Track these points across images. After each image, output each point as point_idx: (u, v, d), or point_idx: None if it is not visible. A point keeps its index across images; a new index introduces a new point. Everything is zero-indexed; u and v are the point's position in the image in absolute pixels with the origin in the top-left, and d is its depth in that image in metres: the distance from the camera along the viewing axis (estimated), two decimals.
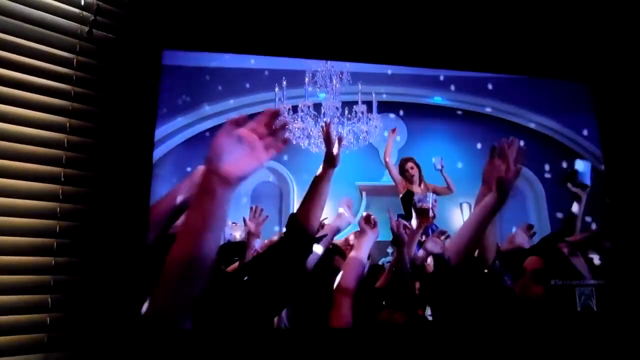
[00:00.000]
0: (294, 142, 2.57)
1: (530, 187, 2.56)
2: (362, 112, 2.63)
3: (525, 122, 2.49)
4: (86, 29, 1.27)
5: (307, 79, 2.58)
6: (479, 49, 1.72)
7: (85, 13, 1.28)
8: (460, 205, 2.57)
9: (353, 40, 1.65)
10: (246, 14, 1.58)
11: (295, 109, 2.66)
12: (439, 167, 2.55)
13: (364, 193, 3.15)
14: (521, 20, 1.74)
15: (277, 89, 2.53)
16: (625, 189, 1.71)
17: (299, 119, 2.61)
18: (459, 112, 2.63)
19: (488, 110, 2.55)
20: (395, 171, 2.71)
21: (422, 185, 2.64)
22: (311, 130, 2.67)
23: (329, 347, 1.37)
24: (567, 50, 1.77)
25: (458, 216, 2.55)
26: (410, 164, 2.67)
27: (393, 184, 2.75)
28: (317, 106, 2.70)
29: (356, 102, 2.70)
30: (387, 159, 2.75)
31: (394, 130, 2.80)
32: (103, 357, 1.19)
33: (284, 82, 2.53)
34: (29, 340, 1.11)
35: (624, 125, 1.75)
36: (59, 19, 1.24)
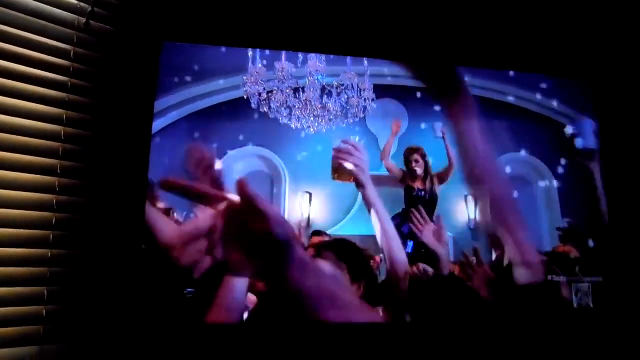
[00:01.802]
0: (272, 116, 2.33)
1: (541, 179, 2.35)
2: (351, 78, 2.34)
3: (532, 107, 2.32)
4: (83, 20, 1.26)
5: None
6: (474, 45, 1.70)
7: (82, 4, 1.27)
8: (465, 197, 2.35)
9: (353, 34, 1.63)
10: (249, 5, 1.56)
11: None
12: (440, 134, 2.22)
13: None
14: (518, 16, 1.72)
15: (250, 52, 2.29)
16: (624, 185, 1.69)
17: (277, 89, 2.33)
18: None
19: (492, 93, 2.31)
20: (397, 169, 2.39)
21: (427, 182, 2.28)
22: (289, 100, 2.35)
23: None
24: (566, 47, 1.74)
25: (463, 209, 2.35)
26: (415, 156, 2.28)
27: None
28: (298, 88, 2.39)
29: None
30: (385, 162, 2.40)
31: (397, 125, 2.48)
32: (99, 350, 1.19)
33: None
34: (25, 333, 1.11)
35: (624, 124, 1.73)
36: (55, 9, 1.23)
